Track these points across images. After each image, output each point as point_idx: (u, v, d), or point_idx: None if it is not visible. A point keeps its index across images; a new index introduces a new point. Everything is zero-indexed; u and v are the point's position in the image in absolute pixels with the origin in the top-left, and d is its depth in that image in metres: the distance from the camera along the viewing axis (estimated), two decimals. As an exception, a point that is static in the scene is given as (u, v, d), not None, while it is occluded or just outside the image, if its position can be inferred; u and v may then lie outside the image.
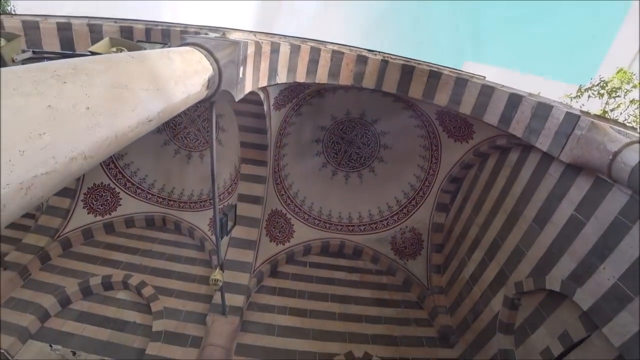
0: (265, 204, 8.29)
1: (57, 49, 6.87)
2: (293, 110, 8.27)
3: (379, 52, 9.23)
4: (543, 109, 5.32)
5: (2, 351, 6.28)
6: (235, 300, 7.06)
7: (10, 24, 6.31)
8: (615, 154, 4.08)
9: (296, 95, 7.83)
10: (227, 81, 4.02)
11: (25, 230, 8.03)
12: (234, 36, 4.94)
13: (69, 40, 6.92)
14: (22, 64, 4.62)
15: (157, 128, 9.43)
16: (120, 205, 8.86)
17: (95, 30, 7.07)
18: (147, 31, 7.21)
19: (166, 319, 6.91)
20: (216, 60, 3.71)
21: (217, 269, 6.02)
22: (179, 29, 7.17)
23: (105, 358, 6.37)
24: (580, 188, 4.88)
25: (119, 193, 8.90)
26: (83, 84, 1.90)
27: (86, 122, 1.84)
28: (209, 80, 3.58)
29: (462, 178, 8.09)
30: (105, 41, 4.11)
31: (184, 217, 9.03)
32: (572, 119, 4.82)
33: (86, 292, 7.40)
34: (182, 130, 9.40)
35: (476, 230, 7.23)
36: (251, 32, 9.62)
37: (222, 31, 6.31)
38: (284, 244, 8.63)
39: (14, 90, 1.54)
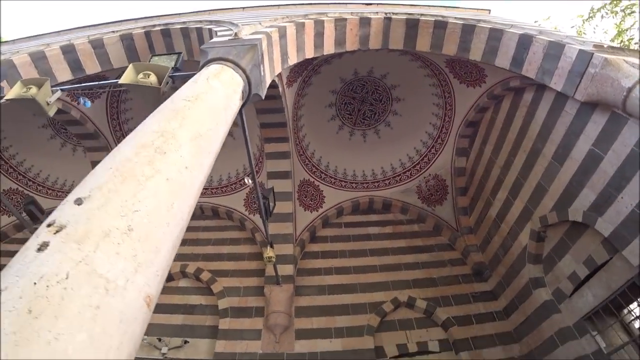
0: (294, 176, 8.73)
1: (68, 74, 6.99)
2: (304, 83, 8.39)
3: (376, 2, 9.06)
4: (555, 48, 5.33)
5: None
6: (286, 269, 7.78)
7: (20, 60, 6.41)
8: (630, 90, 4.23)
9: (305, 68, 7.91)
10: (255, 85, 4.26)
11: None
12: (243, 33, 5.04)
13: (76, 62, 7.01)
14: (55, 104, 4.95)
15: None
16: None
17: (97, 45, 7.12)
18: (147, 35, 7.24)
19: (228, 297, 7.74)
20: (244, 71, 3.94)
21: (268, 247, 6.64)
22: (178, 26, 7.16)
23: (186, 339, 7.30)
24: (596, 123, 5.09)
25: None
26: (175, 147, 2.26)
27: (190, 180, 2.23)
28: (242, 92, 3.85)
29: (478, 121, 8.28)
30: (129, 70, 4.30)
31: (219, 202, 9.60)
32: (585, 57, 4.87)
33: (152, 284, 8.24)
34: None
35: (498, 171, 7.57)
36: (242, 8, 9.47)
37: (225, 25, 6.32)
38: (317, 210, 9.19)
39: (144, 176, 1.93)
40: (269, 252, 6.57)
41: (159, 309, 7.89)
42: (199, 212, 9.71)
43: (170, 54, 5.24)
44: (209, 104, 2.94)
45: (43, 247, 1.48)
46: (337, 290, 7.84)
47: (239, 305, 7.61)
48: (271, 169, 8.41)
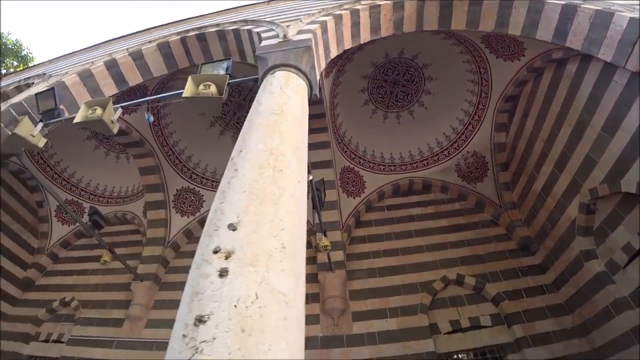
0: (335, 165, 8.89)
1: (113, 88, 7.27)
2: (338, 72, 8.44)
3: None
4: (602, 17, 5.12)
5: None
6: (336, 255, 8.04)
7: (70, 81, 6.69)
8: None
9: (340, 57, 7.94)
10: (314, 86, 4.40)
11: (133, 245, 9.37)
12: (290, 33, 5.13)
13: (119, 75, 7.26)
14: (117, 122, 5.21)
15: (210, 122, 9.98)
16: (204, 201, 9.85)
17: (137, 57, 7.34)
18: (183, 41, 7.38)
19: (284, 285, 8.10)
20: (305, 74, 4.09)
21: (323, 237, 6.91)
22: (212, 29, 7.28)
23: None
24: (651, 91, 4.98)
25: (199, 192, 9.88)
26: (287, 164, 2.45)
27: (302, 191, 2.43)
28: (307, 95, 4.01)
29: (517, 95, 8.16)
30: (190, 84, 4.50)
31: None
32: (636, 25, 4.71)
33: (209, 278, 8.72)
34: (232, 117, 9.89)
35: (541, 144, 7.51)
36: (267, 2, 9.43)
37: (264, 25, 6.40)
38: (359, 196, 9.38)
39: (275, 195, 2.13)
40: (324, 241, 6.84)
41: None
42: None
43: (220, 60, 5.41)
44: (292, 115, 3.12)
45: (224, 273, 1.71)
46: (387, 272, 8.10)
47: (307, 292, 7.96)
48: (313, 160, 8.57)
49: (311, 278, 8.10)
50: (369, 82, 9.51)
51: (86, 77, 6.97)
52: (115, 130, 5.29)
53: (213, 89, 4.42)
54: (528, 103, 7.87)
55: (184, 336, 1.44)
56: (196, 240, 9.60)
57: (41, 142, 5.33)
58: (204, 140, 9.91)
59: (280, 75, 3.80)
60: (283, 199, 2.15)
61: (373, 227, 9.07)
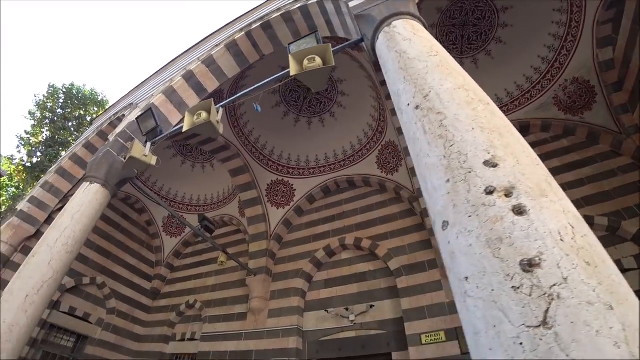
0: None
1: (195, 98, 7.47)
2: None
3: None
4: None
5: (297, 327, 8.11)
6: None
7: (158, 101, 6.92)
8: None
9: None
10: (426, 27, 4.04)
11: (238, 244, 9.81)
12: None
13: (198, 84, 7.44)
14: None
15: (283, 112, 9.98)
16: (295, 189, 9.99)
17: (209, 63, 7.52)
18: (249, 35, 7.34)
19: (396, 257, 7.96)
20: (419, 19, 3.76)
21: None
22: (276, 15, 7.13)
23: (371, 303, 7.74)
24: None
25: (288, 182, 10.02)
26: (485, 98, 2.19)
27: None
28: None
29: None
30: (292, 62, 4.32)
31: (352, 172, 9.72)
32: None
33: (318, 264, 8.86)
34: (303, 102, 9.81)
35: (668, 46, 6.40)
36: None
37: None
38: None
39: (512, 134, 1.89)
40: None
41: (333, 283, 8.50)
42: (335, 187, 10.02)
43: (306, 36, 5.23)
44: (445, 56, 2.84)
45: (522, 210, 1.43)
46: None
47: (409, 263, 7.78)
48: (398, 125, 8.25)
49: (424, 245, 7.91)
50: (438, 31, 8.83)
51: (170, 93, 7.24)
52: (221, 131, 5.35)
53: (318, 60, 4.24)
54: (638, 4, 6.72)
55: (517, 288, 1.24)
56: (296, 229, 9.83)
57: (153, 160, 5.61)
58: (281, 131, 9.99)
59: (401, 24, 3.50)
60: (513, 131, 1.90)
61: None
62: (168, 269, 11.18)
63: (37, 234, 8.60)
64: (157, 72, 10.05)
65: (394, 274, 7.84)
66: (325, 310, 8.07)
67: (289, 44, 5.13)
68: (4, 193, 14.79)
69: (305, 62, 4.28)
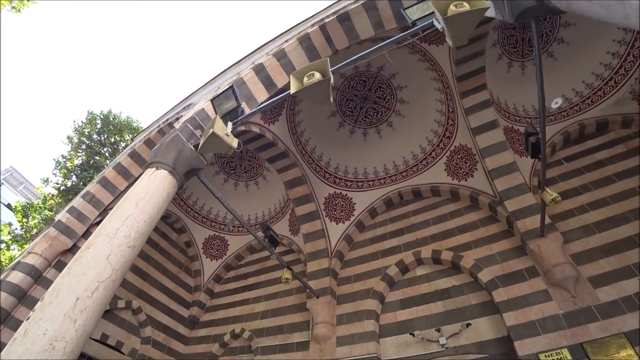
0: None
1: (264, 92, 7.06)
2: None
3: None
4: None
5: (375, 355, 6.88)
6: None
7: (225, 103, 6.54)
8: None
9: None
10: None
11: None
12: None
13: (267, 78, 7.06)
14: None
15: (339, 122, 9.54)
16: (355, 203, 9.22)
17: (280, 57, 7.16)
18: (323, 29, 7.07)
19: (486, 268, 6.99)
20: None
21: (545, 190, 5.86)
22: (353, 6, 6.96)
23: (468, 321, 6.63)
24: None
25: (346, 195, 9.29)
26: None
27: None
28: None
29: None
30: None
31: (418, 182, 9.01)
32: None
33: (391, 283, 7.82)
34: (359, 112, 9.42)
35: None
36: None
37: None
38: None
39: None
40: (551, 195, 5.75)
41: (411, 302, 7.43)
42: (398, 200, 9.24)
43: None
44: None
45: None
46: (602, 226, 6.73)
47: (504, 273, 6.81)
48: (475, 124, 7.76)
49: (517, 252, 6.98)
50: (501, 33, 8.71)
51: (240, 85, 6.81)
52: (331, 99, 4.76)
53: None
54: None
55: None
56: (358, 245, 8.89)
57: (234, 143, 4.89)
58: (336, 142, 9.47)
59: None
60: None
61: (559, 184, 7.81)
62: (208, 295, 9.97)
63: (74, 248, 7.67)
64: (207, 83, 9.79)
65: (486, 286, 6.82)
66: (411, 334, 6.88)
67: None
68: (37, 216, 14.20)
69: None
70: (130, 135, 16.52)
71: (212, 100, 5.45)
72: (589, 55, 8.50)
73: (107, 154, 16.19)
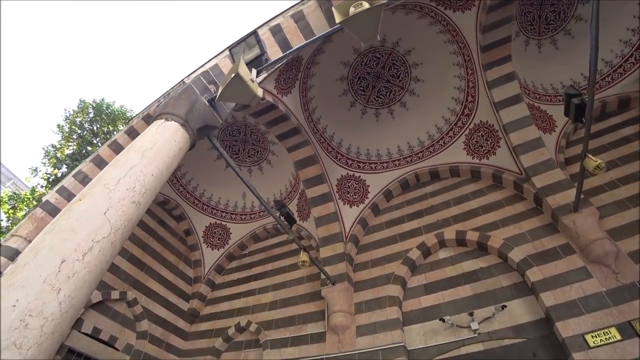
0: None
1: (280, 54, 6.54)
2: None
3: None
4: None
5: (402, 344, 6.30)
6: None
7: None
8: None
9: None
10: None
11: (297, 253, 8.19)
12: None
13: (284, 40, 6.54)
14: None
15: (350, 102, 9.06)
16: (368, 185, 8.70)
17: (298, 18, 6.63)
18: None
19: (517, 247, 6.54)
20: None
21: (588, 157, 5.47)
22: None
23: (502, 303, 6.13)
24: None
25: (359, 177, 8.79)
26: None
27: None
28: None
29: None
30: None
31: (436, 162, 8.56)
32: None
33: (412, 266, 7.29)
34: (371, 90, 8.97)
35: None
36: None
37: None
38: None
39: None
40: (592, 162, 5.36)
41: (436, 287, 6.91)
42: (415, 181, 8.76)
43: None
44: None
45: None
46: (636, 201, 6.41)
47: (537, 251, 6.38)
48: (499, 98, 7.40)
49: (549, 229, 6.56)
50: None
51: (275, 31, 6.29)
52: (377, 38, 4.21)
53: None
54: None
55: None
56: (374, 229, 8.35)
57: (259, 91, 4.26)
58: (347, 123, 8.96)
59: None
60: None
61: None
62: (209, 287, 9.20)
63: (63, 233, 6.85)
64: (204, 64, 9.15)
65: (518, 266, 6.37)
66: (441, 319, 6.33)
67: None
68: (25, 207, 13.15)
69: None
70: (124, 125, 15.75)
71: (230, 49, 4.89)
72: (608, 32, 8.29)
73: (99, 144, 15.36)
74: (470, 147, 8.19)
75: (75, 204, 3.11)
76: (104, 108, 16.07)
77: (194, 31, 67.35)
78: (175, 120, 4.32)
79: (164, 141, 4.07)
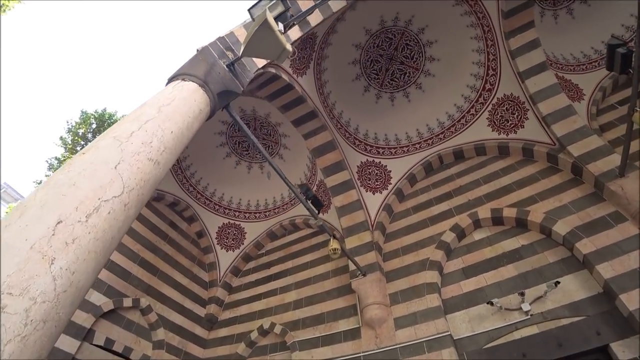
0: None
1: (297, 31, 6.13)
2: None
3: None
4: None
5: (448, 333, 5.77)
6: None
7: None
8: None
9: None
10: None
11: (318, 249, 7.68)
12: None
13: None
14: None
15: (364, 87, 8.68)
16: (390, 171, 8.25)
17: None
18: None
19: (561, 220, 6.06)
20: None
21: (638, 111, 5.07)
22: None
23: (556, 280, 5.63)
24: None
25: (380, 163, 8.34)
26: None
27: None
28: None
29: None
30: None
31: (459, 142, 8.12)
32: None
33: (448, 250, 6.79)
34: (385, 74, 8.61)
35: None
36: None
37: None
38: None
39: None
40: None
41: (475, 270, 6.41)
42: (438, 164, 8.31)
43: None
44: None
45: None
46: None
47: (584, 222, 5.92)
48: (523, 67, 7.05)
49: (592, 199, 6.12)
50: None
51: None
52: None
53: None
54: None
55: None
56: (400, 215, 7.87)
57: (288, 45, 3.79)
58: (362, 108, 8.58)
59: None
60: None
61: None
62: (225, 290, 8.60)
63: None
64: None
65: (564, 240, 5.90)
66: (488, 303, 5.79)
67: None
68: None
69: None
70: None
71: (249, 10, 4.43)
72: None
73: (103, 155, 14.92)
74: (495, 122, 7.79)
75: (78, 157, 2.36)
76: (107, 118, 15.89)
77: (196, 40, 67.51)
78: (193, 81, 3.78)
79: (183, 98, 3.52)
